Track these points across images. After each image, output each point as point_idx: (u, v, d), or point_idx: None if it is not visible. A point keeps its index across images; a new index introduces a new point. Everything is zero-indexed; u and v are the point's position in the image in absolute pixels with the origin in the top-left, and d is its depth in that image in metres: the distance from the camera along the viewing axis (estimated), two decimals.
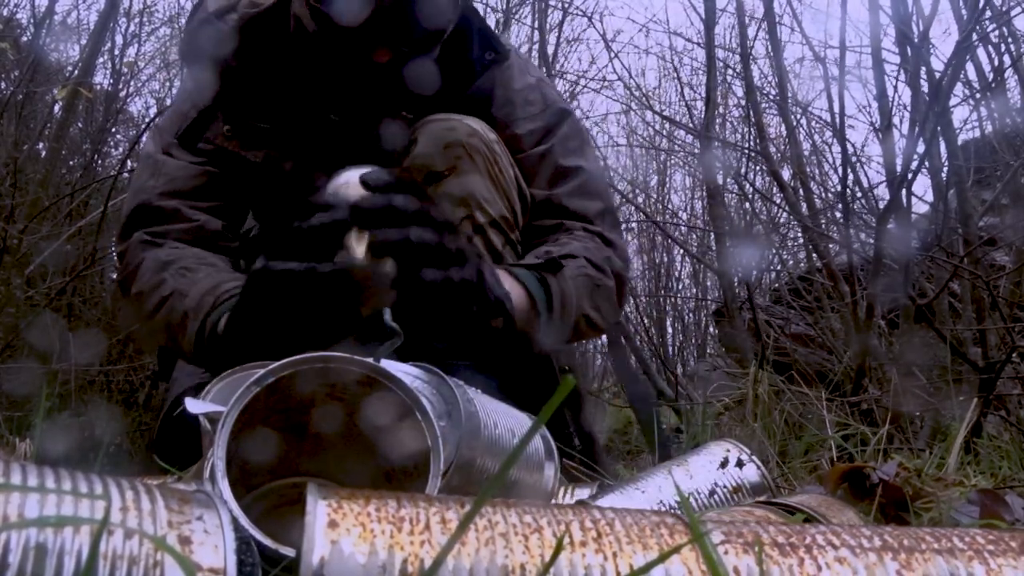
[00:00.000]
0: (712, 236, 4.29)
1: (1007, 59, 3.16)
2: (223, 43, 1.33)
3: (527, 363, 1.30)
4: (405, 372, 0.75)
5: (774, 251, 4.00)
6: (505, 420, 0.77)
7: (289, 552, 0.53)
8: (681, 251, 5.49)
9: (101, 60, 4.39)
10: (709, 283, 5.74)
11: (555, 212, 1.39)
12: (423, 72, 1.26)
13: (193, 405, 0.78)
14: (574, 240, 1.36)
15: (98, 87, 4.48)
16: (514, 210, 1.34)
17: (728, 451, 0.97)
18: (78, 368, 2.45)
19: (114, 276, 1.42)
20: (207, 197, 1.35)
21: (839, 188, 3.43)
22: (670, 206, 6.01)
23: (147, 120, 4.53)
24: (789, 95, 3.99)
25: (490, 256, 1.27)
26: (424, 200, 0.96)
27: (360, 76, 1.27)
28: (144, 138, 1.55)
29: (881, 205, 2.95)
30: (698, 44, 4.54)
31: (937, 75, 2.69)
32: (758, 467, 0.95)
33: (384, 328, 0.74)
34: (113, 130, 4.56)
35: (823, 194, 4.14)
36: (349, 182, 0.92)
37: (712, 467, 0.95)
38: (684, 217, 5.89)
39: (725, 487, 0.92)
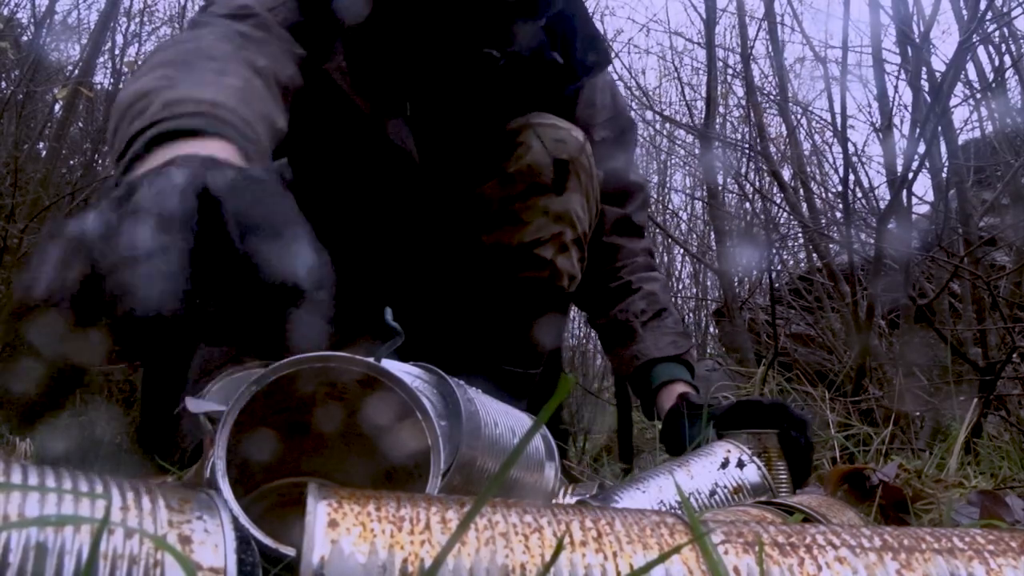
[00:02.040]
0: (712, 236, 4.29)
1: (1007, 59, 3.16)
2: None
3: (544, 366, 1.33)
4: (406, 371, 0.74)
5: (774, 251, 4.00)
6: (505, 419, 0.77)
7: (289, 551, 0.53)
8: (681, 251, 5.49)
9: (101, 60, 4.40)
10: (709, 283, 5.73)
11: (626, 229, 1.48)
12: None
13: (193, 404, 0.78)
14: (652, 281, 1.47)
15: (98, 87, 4.48)
16: (591, 221, 1.36)
17: (728, 451, 0.96)
18: (78, 368, 2.44)
19: None
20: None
21: (839, 188, 3.44)
22: (670, 206, 6.01)
23: None
24: (789, 95, 4.00)
25: (564, 275, 1.30)
26: None
27: (471, 68, 1.23)
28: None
29: (881, 205, 2.95)
30: (698, 44, 4.55)
31: (938, 75, 2.69)
32: (759, 468, 0.95)
33: (385, 327, 0.74)
34: None
35: (823, 194, 4.14)
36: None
37: (713, 468, 0.94)
38: (684, 217, 5.89)
39: (726, 487, 0.92)
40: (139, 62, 4.63)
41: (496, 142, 1.27)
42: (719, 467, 0.94)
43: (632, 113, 1.67)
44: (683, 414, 1.23)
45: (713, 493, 0.91)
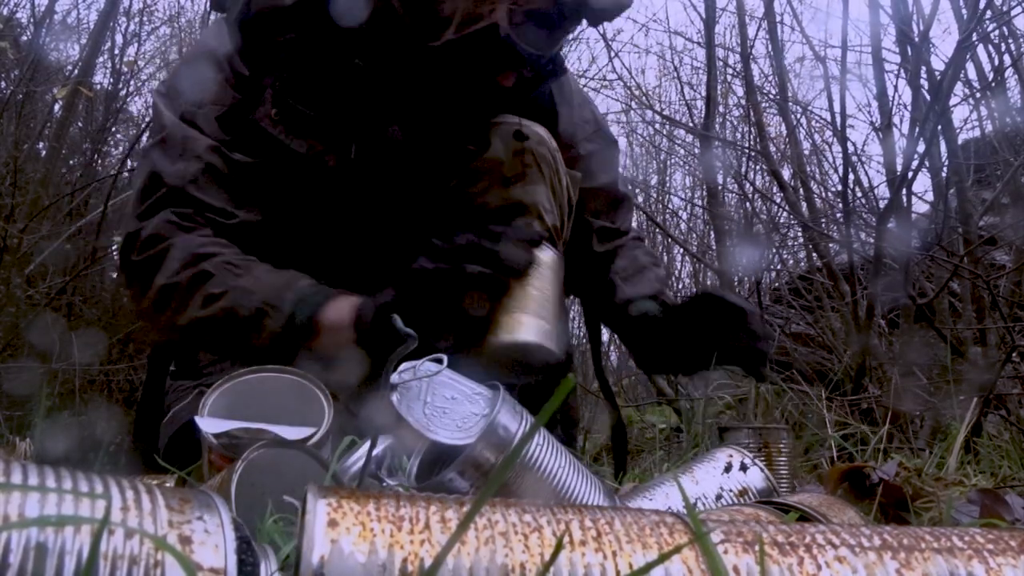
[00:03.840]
0: (712, 235, 4.29)
1: (1007, 58, 3.16)
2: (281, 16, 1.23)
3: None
4: (471, 387, 0.77)
5: (774, 251, 4.00)
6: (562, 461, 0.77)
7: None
8: (681, 251, 5.49)
9: (101, 59, 4.40)
10: (709, 283, 5.73)
11: (612, 236, 1.52)
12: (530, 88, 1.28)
13: (206, 424, 0.78)
14: (636, 248, 1.55)
15: (98, 87, 4.48)
16: (563, 220, 1.36)
17: (731, 456, 0.98)
18: (78, 368, 2.45)
19: (120, 259, 1.32)
20: (242, 183, 1.24)
21: (839, 187, 3.44)
22: (670, 206, 6.01)
23: (147, 120, 4.53)
24: (789, 94, 3.99)
25: None
26: None
27: (480, 95, 1.23)
28: (152, 101, 1.38)
29: (881, 204, 2.95)
30: (698, 43, 4.55)
31: (937, 75, 2.69)
32: (761, 470, 0.97)
33: (398, 333, 0.74)
34: (113, 129, 4.56)
35: (823, 194, 4.14)
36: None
37: (717, 472, 0.96)
38: (684, 217, 5.89)
39: (731, 491, 0.94)
40: (139, 62, 4.64)
41: (460, 150, 1.28)
42: (723, 471, 0.96)
43: (632, 113, 1.70)
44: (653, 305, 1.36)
45: (719, 497, 0.93)
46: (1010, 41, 3.18)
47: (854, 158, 3.35)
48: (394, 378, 0.73)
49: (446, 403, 0.75)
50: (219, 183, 1.23)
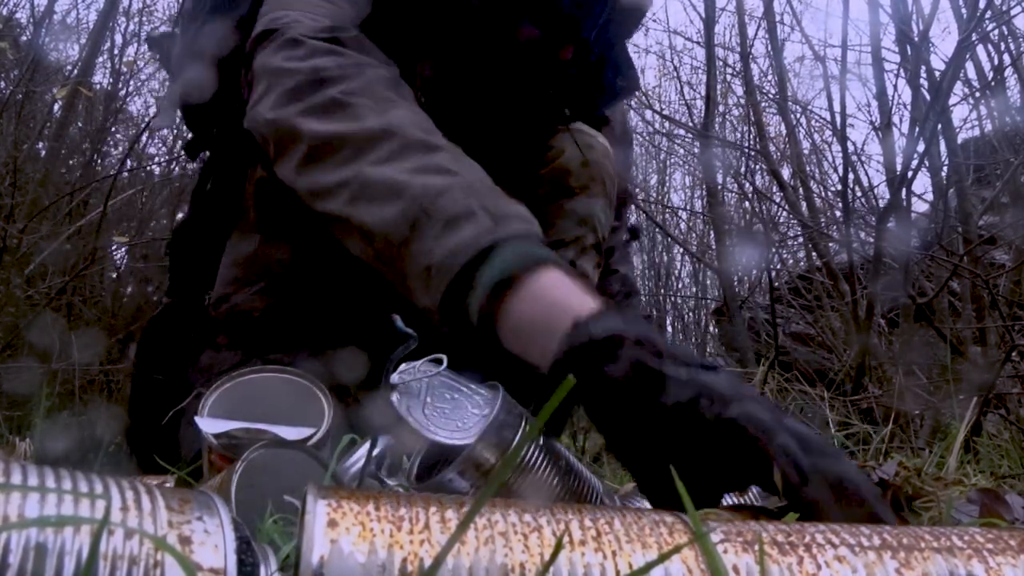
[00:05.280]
0: (712, 235, 4.29)
1: (1007, 58, 3.17)
2: None
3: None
4: (475, 388, 0.76)
5: (774, 250, 4.00)
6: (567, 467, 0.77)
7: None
8: (681, 250, 5.49)
9: (101, 60, 4.40)
10: (709, 282, 5.74)
11: (615, 230, 1.49)
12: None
13: (206, 424, 0.78)
14: (625, 262, 1.52)
15: (98, 87, 4.48)
16: (607, 233, 1.37)
17: None
18: (78, 368, 2.45)
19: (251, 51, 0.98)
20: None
21: (839, 187, 3.44)
22: (670, 205, 6.01)
23: (147, 120, 4.54)
24: (789, 94, 4.00)
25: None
26: None
27: (542, 70, 1.17)
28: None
29: (881, 204, 2.95)
30: (698, 43, 4.54)
31: (937, 74, 2.69)
32: None
33: (398, 333, 0.74)
34: (113, 130, 4.56)
35: (823, 193, 4.14)
36: None
37: None
38: (684, 216, 5.89)
39: (732, 492, 0.94)
40: (139, 63, 4.64)
41: (530, 148, 1.27)
42: None
43: (631, 113, 1.70)
44: None
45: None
46: (1010, 41, 3.19)
47: (854, 158, 3.36)
48: (394, 378, 0.73)
49: (446, 403, 0.75)
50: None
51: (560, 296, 0.71)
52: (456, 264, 0.75)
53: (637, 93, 1.54)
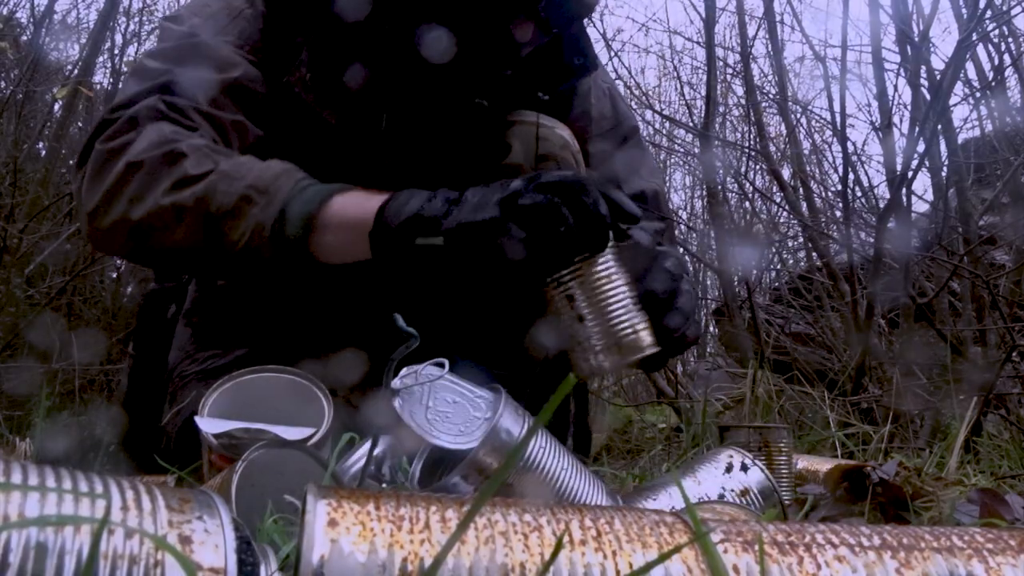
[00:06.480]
0: (712, 235, 4.29)
1: (1007, 58, 3.17)
2: None
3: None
4: (471, 390, 0.77)
5: (774, 250, 4.00)
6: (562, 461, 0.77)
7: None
8: (681, 250, 5.48)
9: (101, 59, 4.39)
10: (709, 282, 5.73)
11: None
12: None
13: (206, 424, 0.79)
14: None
15: (98, 86, 4.47)
16: None
17: (731, 456, 1.00)
18: (78, 368, 2.45)
19: (82, 150, 1.10)
20: (258, 118, 1.11)
21: (839, 187, 3.43)
22: (670, 205, 6.00)
23: None
24: (789, 94, 3.99)
25: None
26: None
27: (496, 51, 1.13)
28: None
29: (881, 204, 2.95)
30: (698, 43, 4.54)
31: (937, 74, 2.69)
32: (761, 470, 0.98)
33: (400, 332, 0.74)
34: None
35: (823, 193, 4.14)
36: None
37: (718, 473, 0.98)
38: (684, 217, 5.89)
39: (732, 491, 0.95)
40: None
41: (480, 143, 1.22)
42: (724, 472, 0.97)
43: (631, 113, 1.62)
44: None
45: (721, 497, 0.94)
46: (1010, 41, 3.19)
47: (854, 158, 3.35)
48: (396, 383, 0.73)
49: (448, 407, 0.75)
50: (238, 96, 1.08)
51: (351, 209, 0.90)
52: (263, 240, 0.92)
53: (603, 76, 1.46)
